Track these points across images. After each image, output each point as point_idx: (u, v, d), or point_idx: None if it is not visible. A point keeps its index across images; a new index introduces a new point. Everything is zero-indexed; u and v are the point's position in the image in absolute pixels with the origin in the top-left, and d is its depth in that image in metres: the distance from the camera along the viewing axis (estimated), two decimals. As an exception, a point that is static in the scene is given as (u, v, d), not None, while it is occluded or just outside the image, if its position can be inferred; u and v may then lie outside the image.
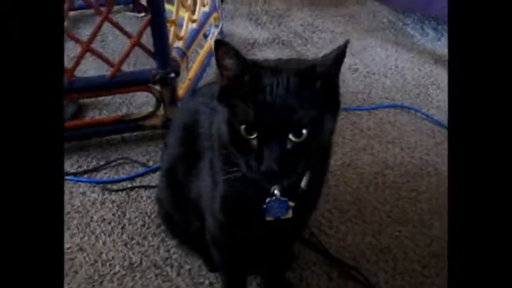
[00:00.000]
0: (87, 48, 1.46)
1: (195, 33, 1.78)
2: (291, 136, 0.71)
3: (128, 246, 1.23)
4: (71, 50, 1.84)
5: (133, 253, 1.21)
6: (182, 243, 1.20)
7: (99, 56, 1.50)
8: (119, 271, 1.16)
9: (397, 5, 2.50)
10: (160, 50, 1.47)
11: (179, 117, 1.07)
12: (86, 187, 1.42)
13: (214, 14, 2.02)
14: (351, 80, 1.93)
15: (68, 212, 1.32)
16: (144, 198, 1.38)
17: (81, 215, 1.32)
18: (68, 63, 1.48)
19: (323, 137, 0.74)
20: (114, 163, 1.50)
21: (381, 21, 2.43)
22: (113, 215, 1.32)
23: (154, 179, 1.42)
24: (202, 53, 1.90)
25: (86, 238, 1.25)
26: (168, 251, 1.21)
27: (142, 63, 1.87)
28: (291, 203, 0.83)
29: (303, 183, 0.82)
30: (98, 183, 1.43)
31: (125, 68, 1.55)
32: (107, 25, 1.45)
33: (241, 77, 0.73)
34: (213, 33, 2.04)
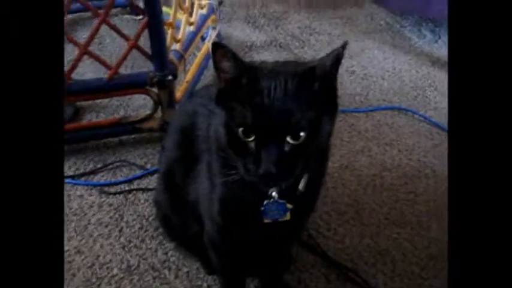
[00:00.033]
0: (85, 50, 1.45)
1: (193, 36, 1.78)
2: (288, 139, 0.71)
3: (126, 249, 1.23)
4: (68, 52, 1.83)
5: (131, 256, 1.21)
6: (180, 245, 1.20)
7: (97, 58, 1.50)
8: (116, 274, 1.16)
9: (394, 7, 2.50)
10: (158, 52, 1.47)
11: (177, 120, 1.07)
12: (83, 190, 1.41)
13: (212, 17, 2.02)
14: (348, 82, 1.93)
15: (66, 215, 1.32)
16: (142, 201, 1.37)
17: (78, 217, 1.32)
18: (65, 66, 1.48)
19: (321, 139, 0.74)
20: (111, 166, 1.50)
21: (378, 23, 2.43)
22: (111, 217, 1.32)
23: (152, 181, 1.42)
24: (200, 55, 1.90)
25: (84, 241, 1.25)
26: (166, 253, 1.21)
27: (139, 65, 1.87)
28: (289, 205, 0.83)
29: (301, 186, 0.82)
30: (95, 186, 1.43)
31: (123, 70, 1.55)
32: (104, 28, 1.45)
33: (238, 79, 0.73)
34: (211, 36, 2.04)
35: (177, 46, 1.64)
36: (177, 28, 1.66)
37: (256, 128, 0.71)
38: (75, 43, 1.46)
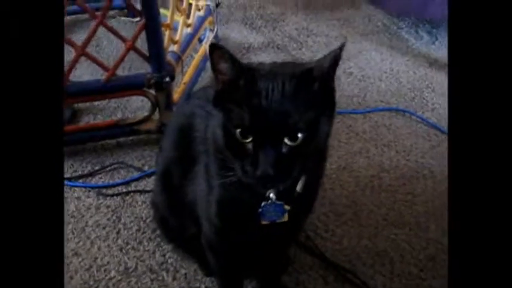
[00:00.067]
0: (82, 52, 1.45)
1: (190, 38, 1.78)
2: (286, 140, 0.70)
3: (123, 251, 1.22)
4: (65, 54, 1.82)
5: (128, 258, 1.20)
6: (178, 247, 1.20)
7: (94, 60, 1.50)
8: (114, 276, 1.16)
9: (391, 9, 2.51)
10: (155, 54, 1.47)
11: (174, 121, 1.07)
12: (80, 192, 1.41)
13: (209, 18, 2.02)
14: (346, 84, 1.93)
15: (63, 217, 1.32)
16: (139, 202, 1.37)
17: (76, 219, 1.32)
18: (62, 68, 1.48)
19: (319, 140, 0.74)
20: (109, 168, 1.50)
21: (375, 25, 2.44)
22: (108, 219, 1.31)
23: (150, 183, 1.42)
24: (197, 57, 1.90)
25: (81, 243, 1.25)
26: (164, 255, 1.21)
27: (137, 67, 1.87)
28: (287, 207, 0.82)
29: (299, 187, 0.82)
30: (93, 188, 1.42)
31: (120, 72, 1.55)
32: (101, 30, 1.45)
33: (236, 81, 0.73)
34: (208, 38, 2.05)
35: (174, 48, 1.64)
36: (175, 30, 1.66)
37: (254, 129, 0.71)
38: (73, 45, 1.45)
